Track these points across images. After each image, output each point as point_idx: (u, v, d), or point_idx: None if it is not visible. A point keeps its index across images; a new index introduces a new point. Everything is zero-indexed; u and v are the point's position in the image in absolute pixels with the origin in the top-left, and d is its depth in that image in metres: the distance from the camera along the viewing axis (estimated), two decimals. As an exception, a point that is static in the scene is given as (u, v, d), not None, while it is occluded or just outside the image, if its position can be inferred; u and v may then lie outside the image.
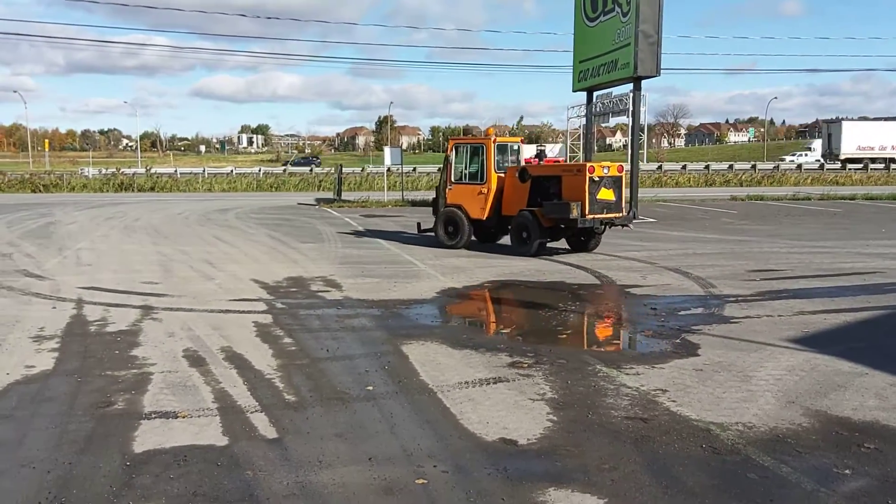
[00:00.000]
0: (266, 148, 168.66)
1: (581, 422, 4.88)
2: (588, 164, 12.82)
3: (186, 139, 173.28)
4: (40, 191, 39.29)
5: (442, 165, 15.19)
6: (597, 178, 12.42)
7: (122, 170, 45.53)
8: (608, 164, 13.23)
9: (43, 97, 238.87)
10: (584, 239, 13.42)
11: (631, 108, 21.04)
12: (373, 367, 6.22)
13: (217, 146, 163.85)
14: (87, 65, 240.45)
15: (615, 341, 7.37)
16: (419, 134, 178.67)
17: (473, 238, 14.25)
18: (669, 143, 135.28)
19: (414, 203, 26.90)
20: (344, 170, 37.36)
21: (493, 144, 13.54)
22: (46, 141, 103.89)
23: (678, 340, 7.06)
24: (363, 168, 52.07)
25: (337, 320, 8.05)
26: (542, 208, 12.65)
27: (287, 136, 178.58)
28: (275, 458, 4.29)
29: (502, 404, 5.21)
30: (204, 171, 48.89)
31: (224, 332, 7.41)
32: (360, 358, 6.54)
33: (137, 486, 3.92)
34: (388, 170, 31.94)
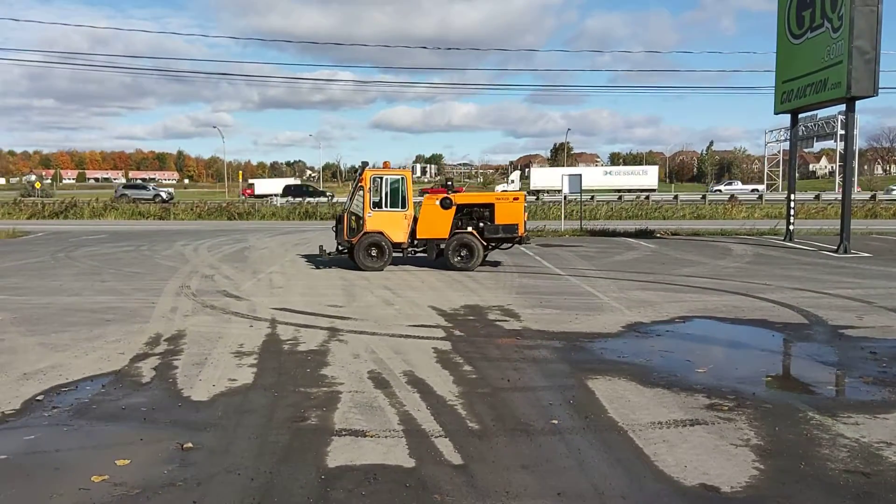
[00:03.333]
0: (438, 177, 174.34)
1: (792, 472, 4.55)
2: (521, 193, 16.71)
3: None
4: (235, 218, 43.19)
5: (350, 194, 16.53)
6: (525, 205, 16.18)
7: (306, 199, 49.00)
8: (523, 193, 17.53)
9: (238, 132, 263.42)
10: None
11: (842, 132, 19.55)
12: (557, 400, 6.19)
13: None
14: (279, 100, 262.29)
15: (828, 386, 6.80)
16: (597, 161, 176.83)
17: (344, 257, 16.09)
18: (885, 170, 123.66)
19: (593, 232, 26.59)
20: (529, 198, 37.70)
21: (411, 176, 16.13)
22: (240, 172, 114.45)
23: (906, 390, 6.40)
24: (537, 196, 52.52)
25: (516, 351, 8.11)
26: (486, 229, 15.58)
27: (459, 164, 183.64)
28: (461, 485, 4.39)
29: (701, 448, 4.99)
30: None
31: (405, 357, 7.72)
32: (542, 390, 6.54)
33: (332, 499, 4.17)
34: (565, 198, 31.88)
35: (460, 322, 9.80)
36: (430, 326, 9.45)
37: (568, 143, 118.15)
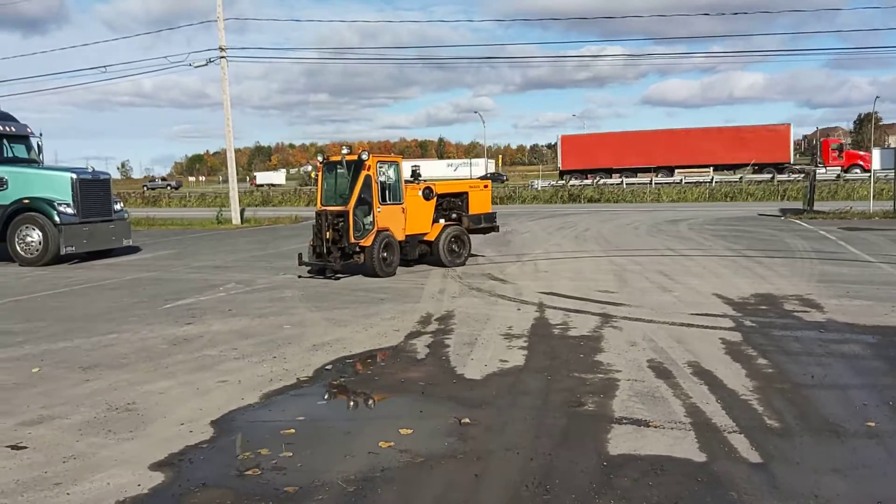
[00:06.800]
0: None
1: None
2: (488, 181, 16.97)
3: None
4: (496, 203, 44.79)
5: (327, 183, 14.09)
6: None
7: (570, 182, 49.39)
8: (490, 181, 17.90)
9: (499, 116, 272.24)
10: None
11: None
12: (872, 400, 5.66)
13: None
14: (541, 81, 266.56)
15: None
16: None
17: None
18: None
19: (912, 215, 23.71)
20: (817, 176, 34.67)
21: (401, 163, 14.33)
22: (500, 156, 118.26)
23: None
24: (838, 175, 48.00)
25: (820, 345, 7.51)
26: (470, 219, 15.13)
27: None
28: (761, 484, 4.19)
29: None
30: (651, 181, 50.20)
31: (688, 346, 7.50)
32: (854, 389, 6.03)
33: (616, 486, 4.20)
34: (873, 175, 28.72)
35: (751, 312, 9.29)
36: (715, 315, 9.08)
37: (876, 112, 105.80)
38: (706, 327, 8.43)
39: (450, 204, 15.27)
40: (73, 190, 16.89)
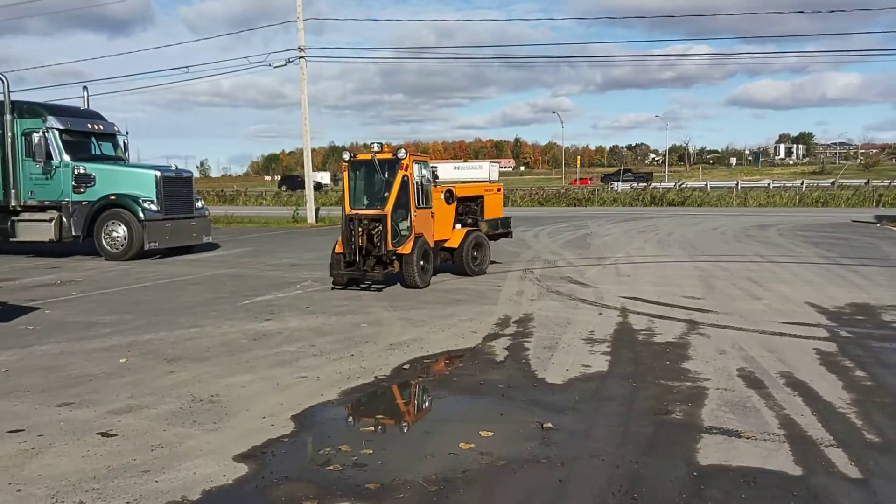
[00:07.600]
0: (807, 158, 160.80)
1: None
2: (500, 184, 15.98)
3: (716, 151, 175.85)
4: (574, 205, 44.43)
5: (354, 184, 12.59)
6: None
7: (652, 184, 48.63)
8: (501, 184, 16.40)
9: (578, 116, 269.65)
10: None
11: None
12: None
13: (749, 158, 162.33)
14: (623, 81, 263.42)
15: None
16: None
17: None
18: None
19: None
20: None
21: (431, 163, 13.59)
22: (578, 158, 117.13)
23: None
24: None
25: (924, 358, 7.20)
26: (489, 224, 14.60)
27: (834, 143, 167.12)
28: (862, 501, 4.06)
29: None
30: (737, 184, 49.04)
31: (780, 356, 7.28)
32: (964, 407, 5.74)
33: (707, 498, 4.10)
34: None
35: (847, 322, 8.96)
36: (808, 325, 8.79)
37: None
38: (799, 336, 8.18)
39: (466, 208, 14.62)
40: (157, 187, 17.50)
